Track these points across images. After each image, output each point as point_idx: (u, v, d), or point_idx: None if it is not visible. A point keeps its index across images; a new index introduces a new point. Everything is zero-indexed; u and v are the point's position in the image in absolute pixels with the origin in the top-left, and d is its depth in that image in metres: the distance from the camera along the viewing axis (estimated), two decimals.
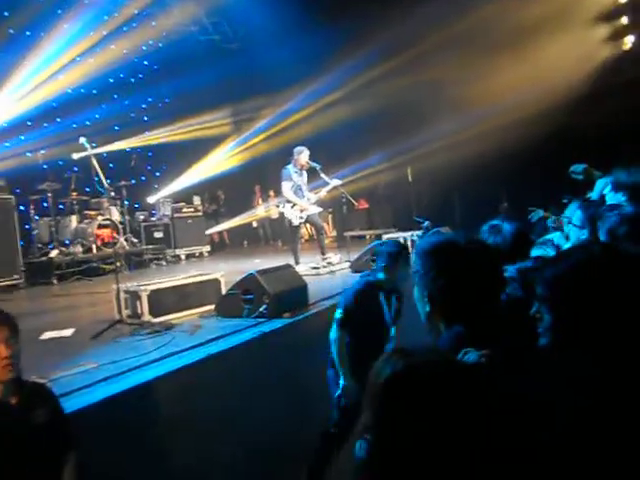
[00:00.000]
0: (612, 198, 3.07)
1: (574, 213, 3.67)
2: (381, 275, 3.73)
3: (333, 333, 3.66)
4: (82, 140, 5.30)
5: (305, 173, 7.97)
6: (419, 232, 8.10)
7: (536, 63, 10.41)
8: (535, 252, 3.37)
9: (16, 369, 2.25)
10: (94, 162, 5.22)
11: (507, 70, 10.32)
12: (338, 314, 3.66)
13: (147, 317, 4.85)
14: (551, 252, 4.06)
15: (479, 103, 10.37)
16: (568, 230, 3.71)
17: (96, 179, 5.29)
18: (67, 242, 9.65)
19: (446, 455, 1.00)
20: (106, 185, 5.32)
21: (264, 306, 4.70)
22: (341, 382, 3.60)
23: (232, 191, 14.35)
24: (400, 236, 8.73)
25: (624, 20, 12.14)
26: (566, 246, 3.75)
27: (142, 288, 4.96)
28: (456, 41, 10.55)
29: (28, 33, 10.53)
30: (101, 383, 3.30)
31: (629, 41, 12.15)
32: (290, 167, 7.86)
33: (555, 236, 4.24)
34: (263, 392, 3.94)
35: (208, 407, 3.52)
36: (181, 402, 3.45)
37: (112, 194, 6.37)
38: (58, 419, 2.41)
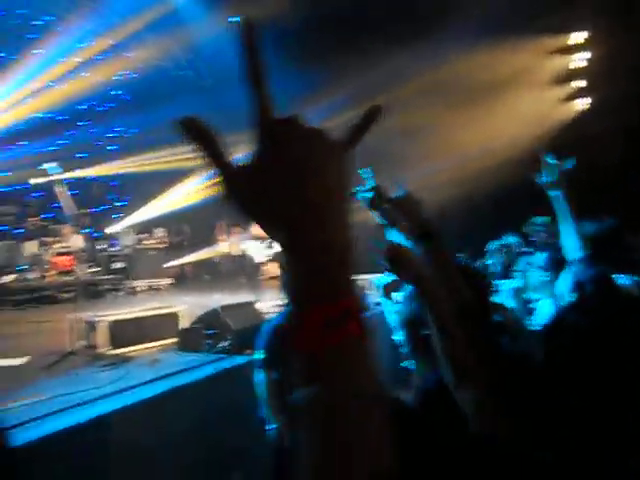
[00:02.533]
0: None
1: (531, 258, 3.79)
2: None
3: (258, 375, 3.59)
4: (48, 166, 5.21)
5: None
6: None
7: (497, 118, 10.91)
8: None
9: None
10: (60, 189, 5.13)
11: (470, 124, 10.78)
12: (259, 355, 3.60)
13: (103, 349, 4.73)
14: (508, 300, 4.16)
15: (443, 154, 10.74)
16: (527, 274, 3.82)
17: (60, 206, 5.19)
18: (23, 268, 9.37)
19: None
20: (72, 213, 5.23)
21: (226, 342, 4.65)
22: (272, 426, 3.54)
23: (195, 225, 14.24)
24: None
25: (579, 83, 12.95)
26: (530, 292, 3.83)
27: (100, 319, 4.85)
28: (424, 92, 10.96)
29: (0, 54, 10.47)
30: (51, 416, 3.19)
31: (583, 103, 12.94)
32: None
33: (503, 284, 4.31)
34: (218, 429, 3.86)
35: (159, 443, 3.42)
36: (132, 437, 3.34)
37: (75, 222, 6.29)
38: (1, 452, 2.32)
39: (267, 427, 3.57)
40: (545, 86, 12.22)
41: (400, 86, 10.98)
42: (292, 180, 0.48)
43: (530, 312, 3.62)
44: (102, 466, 3.07)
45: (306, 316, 0.47)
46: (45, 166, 5.07)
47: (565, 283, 2.95)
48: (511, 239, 5.29)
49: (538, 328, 3.42)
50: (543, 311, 3.54)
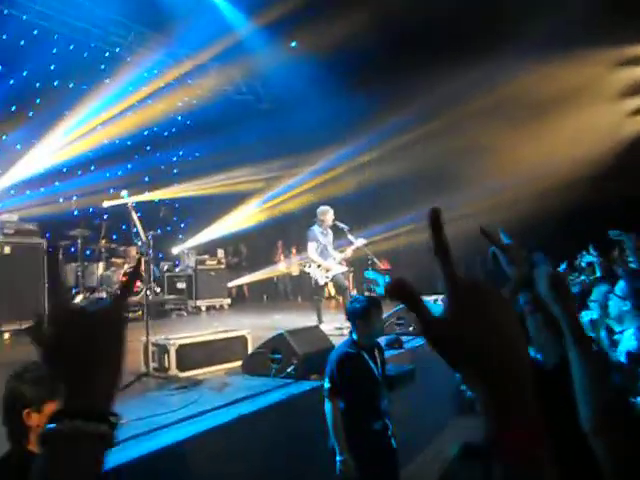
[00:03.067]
0: None
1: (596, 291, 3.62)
2: (355, 335, 3.72)
3: (326, 405, 3.60)
4: (123, 193, 5.46)
5: (331, 232, 8.05)
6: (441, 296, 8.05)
7: (561, 135, 10.61)
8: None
9: None
10: (133, 214, 5.35)
11: (534, 140, 10.53)
12: (326, 384, 3.61)
13: (174, 371, 4.83)
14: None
15: (506, 172, 10.51)
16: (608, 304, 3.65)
17: (134, 230, 5.40)
18: (92, 288, 9.74)
19: None
20: (143, 237, 5.43)
21: (292, 367, 4.66)
22: (337, 457, 3.49)
23: (254, 245, 14.49)
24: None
25: None
26: (612, 322, 3.67)
27: (170, 342, 4.97)
28: (486, 110, 10.81)
29: (71, 86, 11.05)
30: (131, 441, 3.26)
31: None
32: (316, 228, 7.93)
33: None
34: (287, 458, 3.86)
35: (234, 471, 3.45)
36: (209, 464, 3.39)
37: (144, 245, 6.50)
38: None
39: (336, 458, 3.54)
40: (613, 99, 11.80)
41: (467, 104, 10.91)
42: (484, 326, 0.61)
43: (614, 344, 3.46)
44: None
45: (511, 428, 0.56)
46: (122, 194, 5.32)
47: None
48: (587, 260, 4.96)
49: (624, 360, 3.26)
50: (627, 343, 3.38)
